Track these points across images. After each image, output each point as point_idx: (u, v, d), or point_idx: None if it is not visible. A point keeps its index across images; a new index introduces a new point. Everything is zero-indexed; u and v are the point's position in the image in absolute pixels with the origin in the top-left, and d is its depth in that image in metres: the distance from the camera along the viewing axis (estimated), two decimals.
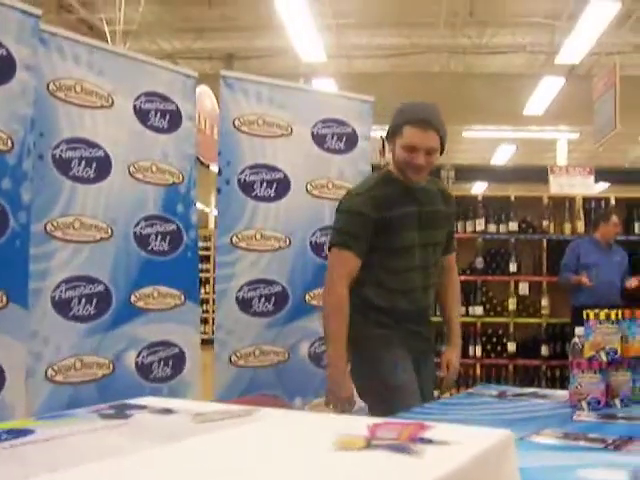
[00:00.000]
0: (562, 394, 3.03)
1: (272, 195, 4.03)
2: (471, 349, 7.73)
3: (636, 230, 7.87)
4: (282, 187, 4.06)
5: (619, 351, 2.86)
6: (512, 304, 7.69)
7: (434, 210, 3.26)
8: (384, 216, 3.09)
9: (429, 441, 1.21)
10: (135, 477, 1.05)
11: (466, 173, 8.70)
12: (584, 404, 2.78)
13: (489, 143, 16.17)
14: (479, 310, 7.71)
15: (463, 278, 7.77)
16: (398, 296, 3.17)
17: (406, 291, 3.18)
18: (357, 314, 3.10)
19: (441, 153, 3.18)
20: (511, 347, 7.68)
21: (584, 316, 2.92)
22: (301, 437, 1.29)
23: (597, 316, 2.87)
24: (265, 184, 4.00)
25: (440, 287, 3.50)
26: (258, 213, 3.99)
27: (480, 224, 7.74)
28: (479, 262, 7.75)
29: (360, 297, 3.14)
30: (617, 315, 2.91)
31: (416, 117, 3.11)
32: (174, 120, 3.79)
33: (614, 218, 7.07)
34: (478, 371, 7.72)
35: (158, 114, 3.72)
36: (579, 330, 2.91)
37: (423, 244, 3.20)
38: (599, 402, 2.78)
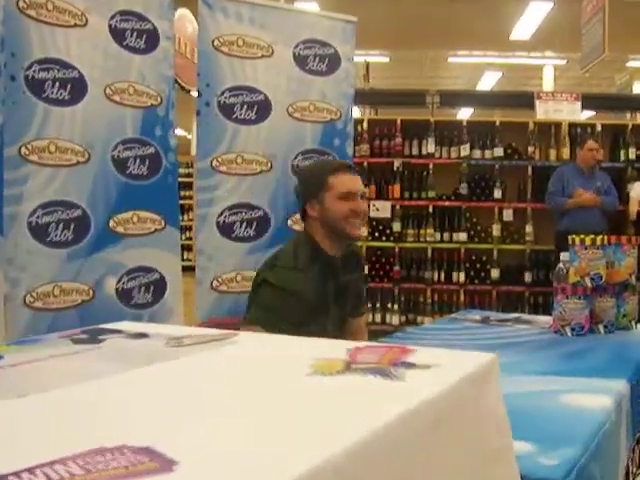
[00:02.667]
0: (545, 320, 3.02)
1: (253, 117, 3.93)
2: (455, 275, 7.75)
3: (622, 157, 7.83)
4: (263, 109, 3.96)
5: (604, 277, 2.84)
6: (496, 230, 7.68)
7: (350, 279, 2.97)
8: (315, 299, 2.75)
9: (411, 365, 1.17)
10: (107, 400, 1.01)
11: (451, 98, 8.59)
12: (567, 329, 2.77)
13: (475, 69, 15.97)
14: (463, 236, 7.71)
15: (447, 204, 7.78)
16: None
17: None
18: None
19: None
20: (495, 273, 7.70)
21: (569, 241, 2.89)
22: (277, 361, 1.25)
23: (583, 241, 2.84)
24: (246, 106, 3.90)
25: None
26: (239, 136, 3.90)
27: (465, 149, 7.69)
28: (463, 188, 7.72)
29: None
30: (603, 240, 2.87)
31: (337, 164, 2.96)
32: (151, 40, 3.66)
33: (589, 143, 7.01)
34: (462, 297, 7.75)
35: (134, 34, 3.60)
36: (564, 255, 2.88)
37: (340, 315, 2.92)
38: (582, 328, 2.77)
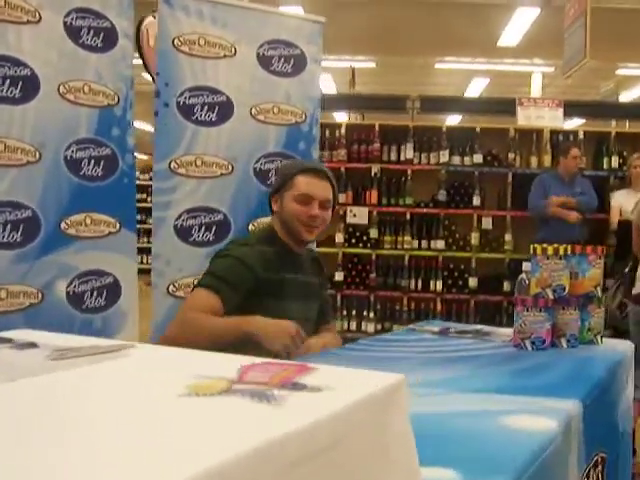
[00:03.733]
0: (507, 332, 2.91)
1: (214, 119, 3.84)
2: (432, 283, 7.65)
3: (604, 165, 7.75)
4: (224, 111, 3.86)
5: (567, 289, 2.74)
6: (475, 238, 7.59)
7: (311, 281, 2.93)
8: (268, 277, 2.71)
9: (302, 387, 1.07)
10: None
11: (432, 104, 8.49)
12: (527, 343, 2.67)
13: (463, 76, 15.90)
14: (441, 244, 7.61)
15: (425, 211, 7.68)
16: None
17: None
18: None
19: (332, 216, 2.90)
20: (472, 282, 7.60)
21: (531, 250, 2.79)
22: (155, 379, 1.15)
23: (545, 251, 2.74)
24: (206, 107, 3.81)
25: None
26: (198, 138, 3.80)
27: (444, 156, 7.59)
28: (442, 194, 7.63)
29: None
30: (566, 250, 2.77)
31: (309, 166, 2.89)
32: (109, 38, 3.57)
33: (574, 151, 6.94)
34: (439, 306, 7.65)
35: (91, 32, 3.50)
36: (526, 265, 2.78)
37: (300, 317, 2.75)
38: (544, 342, 2.67)
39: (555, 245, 2.76)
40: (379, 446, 1.06)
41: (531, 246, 2.77)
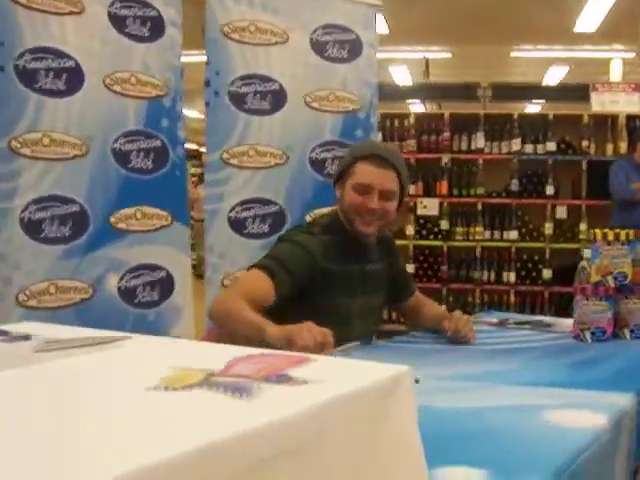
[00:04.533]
0: (568, 323, 2.76)
1: (267, 108, 3.74)
2: (505, 275, 7.44)
3: None
4: (278, 99, 3.76)
5: (629, 276, 2.57)
6: (549, 229, 7.35)
7: (376, 270, 2.73)
8: (329, 268, 2.53)
9: (287, 379, 0.96)
10: None
11: (504, 91, 8.28)
12: (587, 334, 2.51)
13: (540, 64, 15.54)
14: (514, 235, 7.39)
15: (497, 201, 7.47)
16: None
17: None
18: None
19: (398, 207, 2.64)
20: (547, 274, 7.36)
21: (591, 236, 2.62)
22: (132, 371, 1.06)
23: (605, 236, 2.57)
24: (259, 96, 3.71)
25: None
26: (251, 128, 3.71)
27: (516, 144, 7.37)
28: (514, 184, 7.41)
29: None
30: (627, 235, 2.60)
31: (370, 152, 2.60)
32: (156, 27, 3.50)
33: None
34: (512, 298, 7.43)
35: (137, 21, 3.44)
36: (587, 252, 2.62)
37: (360, 310, 2.64)
38: (604, 332, 2.51)
39: (616, 230, 2.59)
40: (372, 441, 0.95)
41: (591, 231, 2.61)
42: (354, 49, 3.93)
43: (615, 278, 2.54)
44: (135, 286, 3.46)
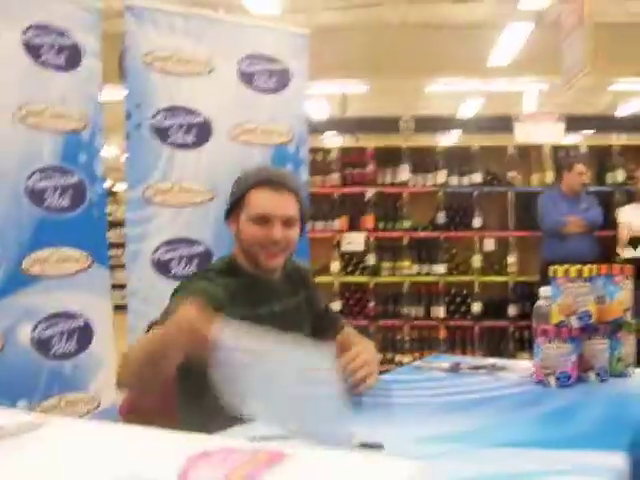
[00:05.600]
0: (526, 366, 2.58)
1: (191, 142, 3.51)
2: (434, 310, 7.29)
3: (608, 180, 7.44)
4: (203, 132, 3.54)
5: (594, 315, 2.41)
6: (477, 261, 7.24)
7: (291, 306, 2.46)
8: (235, 314, 2.05)
9: None
10: None
11: (426, 124, 8.21)
12: (552, 379, 2.33)
13: (455, 98, 15.67)
14: (441, 269, 7.25)
15: (423, 235, 7.35)
16: None
17: None
18: None
19: (300, 233, 2.39)
20: (476, 307, 7.25)
21: (550, 272, 2.45)
22: None
23: (567, 272, 2.40)
24: (183, 129, 3.48)
25: None
26: (175, 162, 3.48)
27: (441, 176, 7.27)
28: (441, 217, 7.28)
29: None
30: (591, 271, 2.44)
31: (262, 177, 2.32)
32: (73, 57, 3.26)
33: (578, 167, 6.61)
34: (442, 333, 7.30)
35: (53, 50, 3.19)
36: (544, 290, 2.44)
37: None
38: (569, 377, 2.33)
39: (578, 266, 2.43)
40: None
41: (550, 268, 2.45)
42: (282, 79, 3.74)
43: (579, 318, 2.37)
44: (50, 336, 3.18)
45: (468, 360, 2.93)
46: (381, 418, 1.98)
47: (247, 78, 3.65)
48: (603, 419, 1.96)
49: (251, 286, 2.33)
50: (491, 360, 2.84)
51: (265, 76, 3.68)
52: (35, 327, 3.12)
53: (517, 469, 1.50)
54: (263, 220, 2.26)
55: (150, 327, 2.12)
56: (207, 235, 3.53)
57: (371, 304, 7.36)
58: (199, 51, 3.53)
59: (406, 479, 0.76)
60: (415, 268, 7.33)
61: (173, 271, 3.47)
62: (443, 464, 1.51)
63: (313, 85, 11.70)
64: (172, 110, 3.47)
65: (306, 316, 2.55)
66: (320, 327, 2.57)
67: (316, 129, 9.04)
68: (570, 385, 2.31)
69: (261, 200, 2.28)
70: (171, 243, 3.47)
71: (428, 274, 7.33)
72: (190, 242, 3.51)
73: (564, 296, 2.37)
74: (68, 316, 3.23)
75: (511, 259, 7.23)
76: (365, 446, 1.58)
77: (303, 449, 0.86)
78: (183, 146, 3.49)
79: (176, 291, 2.26)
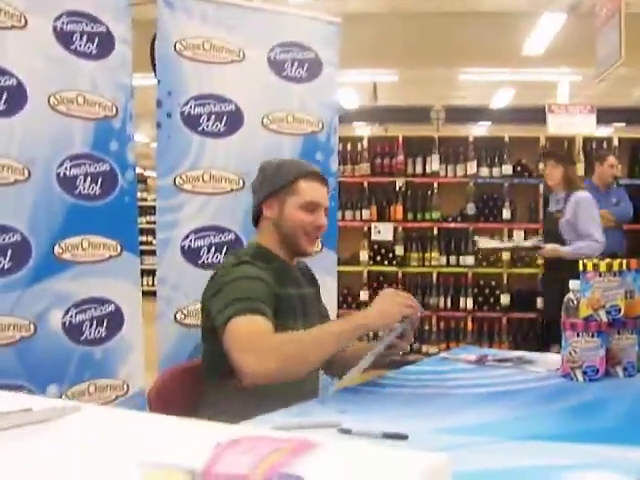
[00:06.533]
0: (553, 359, 2.58)
1: (222, 130, 3.51)
2: (462, 301, 7.30)
3: None
4: (234, 121, 3.54)
5: (622, 309, 2.39)
6: (506, 253, 7.22)
7: (309, 294, 2.61)
8: (280, 295, 2.38)
9: None
10: None
11: (457, 114, 8.18)
12: (579, 373, 2.32)
13: (487, 87, 15.55)
14: (470, 260, 7.25)
15: (453, 225, 7.33)
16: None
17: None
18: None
19: None
20: (505, 299, 7.23)
21: (580, 267, 2.44)
22: (84, 470, 0.82)
23: (596, 267, 2.39)
24: (213, 117, 3.49)
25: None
26: (205, 151, 3.48)
27: (471, 167, 7.25)
28: (470, 208, 7.28)
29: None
30: (621, 265, 2.42)
31: (311, 169, 2.58)
32: (105, 44, 3.27)
33: (610, 159, 6.56)
34: (469, 325, 7.28)
35: (84, 37, 3.20)
36: (574, 284, 2.43)
37: None
38: (597, 371, 2.32)
39: (608, 260, 2.41)
40: None
41: (580, 262, 2.44)
42: (313, 68, 3.73)
43: (608, 312, 2.36)
44: (81, 322, 3.20)
45: (495, 352, 2.93)
46: (406, 409, 1.98)
47: (278, 66, 3.64)
48: (629, 414, 1.96)
49: (283, 269, 2.49)
50: (518, 353, 2.83)
51: (296, 64, 3.68)
52: (66, 312, 3.15)
53: (541, 462, 1.50)
54: (311, 207, 2.49)
55: (226, 321, 2.19)
56: (237, 223, 3.54)
57: None
58: (230, 39, 3.53)
59: (429, 471, 0.77)
60: (443, 259, 7.32)
61: (203, 259, 3.48)
62: (466, 456, 1.51)
63: (344, 73, 11.74)
64: (203, 98, 3.47)
65: (318, 308, 2.69)
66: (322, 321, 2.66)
67: (346, 118, 9.03)
68: (597, 379, 2.31)
69: (313, 190, 2.51)
70: (201, 231, 3.47)
71: (456, 265, 7.32)
72: (220, 230, 3.52)
73: (593, 290, 2.36)
74: (99, 302, 3.25)
75: None
76: (389, 436, 1.60)
77: (329, 439, 0.86)
78: (214, 134, 3.50)
79: (224, 281, 2.35)
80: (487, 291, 7.36)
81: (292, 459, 0.77)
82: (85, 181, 3.20)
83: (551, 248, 5.64)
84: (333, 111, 3.84)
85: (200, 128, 3.46)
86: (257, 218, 2.62)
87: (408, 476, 0.74)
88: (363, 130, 10.58)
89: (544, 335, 6.56)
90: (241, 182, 3.55)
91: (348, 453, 0.82)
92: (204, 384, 2.50)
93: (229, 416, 1.51)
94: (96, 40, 3.24)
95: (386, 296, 2.19)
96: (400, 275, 7.39)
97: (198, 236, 3.47)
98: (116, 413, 1.06)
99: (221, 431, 0.88)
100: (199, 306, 3.33)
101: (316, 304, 2.68)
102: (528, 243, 6.10)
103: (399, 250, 7.34)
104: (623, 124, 8.98)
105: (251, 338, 2.13)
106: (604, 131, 9.59)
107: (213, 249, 3.50)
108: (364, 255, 7.32)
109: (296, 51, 3.68)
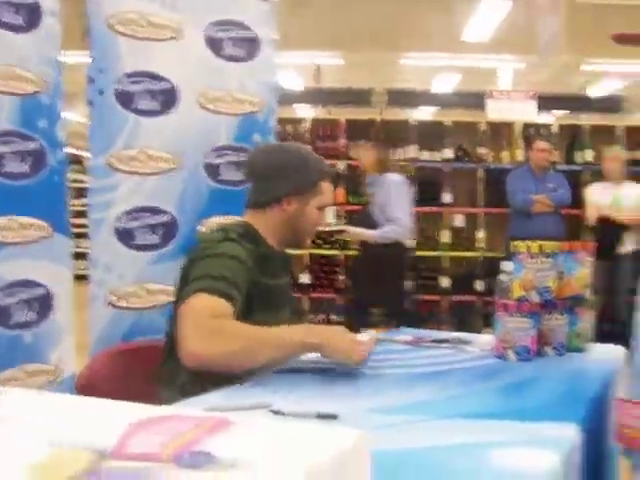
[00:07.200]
0: (488, 340, 2.59)
1: (157, 108, 3.43)
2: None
3: (578, 159, 7.45)
4: (169, 99, 3.45)
5: (553, 291, 2.42)
6: (446, 237, 7.26)
7: (285, 284, 2.62)
8: (259, 281, 2.36)
9: (207, 459, 0.69)
10: None
11: (400, 97, 8.17)
12: (511, 353, 2.34)
13: (430, 72, 15.59)
14: (410, 243, 7.25)
15: None
16: None
17: None
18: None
19: None
20: (444, 282, 7.27)
21: (512, 248, 2.46)
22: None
23: (529, 248, 2.40)
24: (149, 95, 3.40)
25: None
26: (140, 129, 3.39)
27: (412, 151, 7.25)
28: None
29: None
30: (552, 247, 2.44)
31: (329, 171, 2.69)
32: (32, 16, 3.16)
33: (539, 144, 6.63)
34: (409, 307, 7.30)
35: (11, 9, 3.09)
36: (506, 265, 2.44)
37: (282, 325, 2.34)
38: (529, 351, 2.35)
39: (540, 242, 2.43)
40: None
41: (512, 243, 2.45)
42: (252, 47, 3.66)
43: (539, 293, 2.38)
44: (9, 305, 3.10)
45: (432, 334, 2.92)
46: (338, 389, 1.96)
47: (216, 44, 3.57)
48: (559, 392, 1.98)
49: (266, 256, 2.44)
50: (455, 334, 2.84)
51: (234, 43, 3.60)
52: None
53: (470, 440, 1.49)
54: (324, 209, 2.60)
55: (194, 292, 2.15)
56: (173, 204, 3.46)
57: (341, 277, 7.37)
58: (167, 15, 3.44)
59: (345, 447, 0.73)
60: None
61: (137, 240, 3.40)
62: (394, 434, 1.50)
63: (286, 55, 11.67)
64: (137, 76, 3.39)
65: (290, 298, 2.71)
66: (295, 310, 2.76)
67: (289, 99, 8.98)
68: (529, 359, 2.34)
69: (330, 192, 2.62)
70: (135, 211, 3.39)
71: None
72: (155, 211, 3.44)
73: (525, 271, 2.38)
74: (28, 284, 3.16)
75: (479, 235, 7.24)
76: (319, 417, 1.58)
77: (252, 418, 0.83)
78: (149, 113, 3.41)
79: (207, 253, 2.31)
80: (427, 274, 7.41)
81: (206, 437, 0.74)
82: (13, 159, 3.10)
83: (353, 232, 5.67)
84: (272, 92, 3.77)
85: (134, 106, 3.38)
86: (263, 203, 2.54)
87: (322, 452, 0.71)
88: (306, 112, 10.52)
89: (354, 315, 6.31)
90: (177, 162, 3.47)
91: (263, 431, 0.78)
92: (164, 363, 2.40)
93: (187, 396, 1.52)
94: (23, 11, 3.14)
95: (347, 337, 2.12)
96: (342, 258, 7.38)
97: (132, 217, 3.39)
98: (33, 395, 1.01)
99: (141, 412, 0.84)
100: (132, 289, 3.28)
101: (289, 293, 2.68)
102: (335, 226, 6.14)
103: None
104: (567, 112, 9.07)
105: (206, 318, 2.07)
106: (546, 118, 9.69)
107: (148, 230, 3.42)
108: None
109: (233, 29, 3.61)
